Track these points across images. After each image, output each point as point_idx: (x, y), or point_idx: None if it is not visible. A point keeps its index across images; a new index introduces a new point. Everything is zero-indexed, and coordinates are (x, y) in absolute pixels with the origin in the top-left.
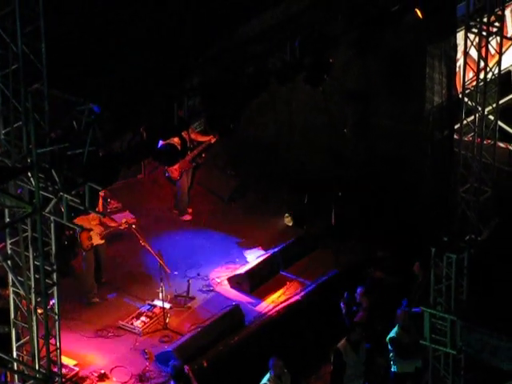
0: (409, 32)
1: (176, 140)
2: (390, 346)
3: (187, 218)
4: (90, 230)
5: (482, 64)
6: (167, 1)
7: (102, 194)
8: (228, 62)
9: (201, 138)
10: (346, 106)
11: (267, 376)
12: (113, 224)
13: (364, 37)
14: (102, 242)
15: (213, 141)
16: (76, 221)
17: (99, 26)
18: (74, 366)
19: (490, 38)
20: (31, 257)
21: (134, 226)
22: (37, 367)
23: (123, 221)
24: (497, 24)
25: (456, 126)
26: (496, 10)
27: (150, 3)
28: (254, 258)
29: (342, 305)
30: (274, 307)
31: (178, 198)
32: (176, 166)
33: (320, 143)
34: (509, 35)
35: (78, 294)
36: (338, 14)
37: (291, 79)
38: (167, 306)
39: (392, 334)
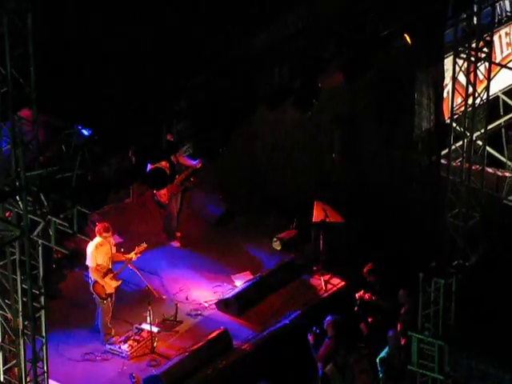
0: (398, 57)
1: (164, 164)
2: (379, 367)
3: (176, 244)
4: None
5: (471, 89)
6: (156, 25)
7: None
8: (217, 85)
9: (187, 163)
10: (335, 130)
11: None
12: (122, 258)
13: (353, 62)
14: (119, 282)
15: (199, 166)
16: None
17: (88, 50)
18: None
19: (479, 64)
20: (19, 280)
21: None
22: None
23: (131, 255)
24: (485, 50)
25: (444, 152)
26: (484, 35)
27: (139, 27)
28: (243, 282)
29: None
30: (262, 331)
31: (166, 222)
32: (164, 191)
33: (309, 168)
34: (497, 61)
35: (66, 317)
36: (328, 39)
37: (280, 104)
38: (155, 329)
39: (382, 354)
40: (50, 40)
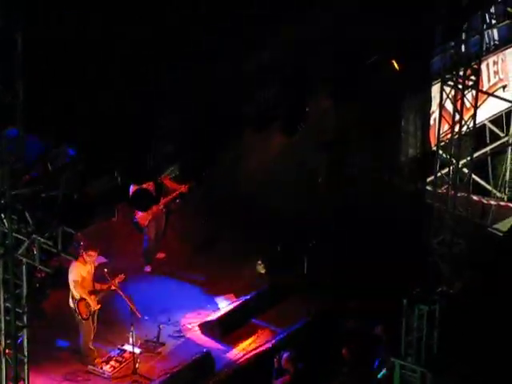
0: (385, 84)
1: (147, 185)
2: None
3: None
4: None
5: (458, 117)
6: (143, 47)
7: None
8: (202, 109)
9: (173, 186)
10: (321, 155)
11: None
12: (104, 287)
13: (340, 88)
14: (99, 306)
15: (184, 190)
16: (75, 291)
17: (75, 70)
18: None
19: (466, 92)
20: (2, 298)
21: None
22: None
23: (115, 281)
24: (473, 78)
25: (430, 178)
26: (472, 63)
27: (127, 48)
28: (226, 304)
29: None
30: (245, 355)
31: (144, 246)
32: (143, 214)
33: (294, 192)
34: (484, 89)
35: (48, 337)
36: (316, 64)
37: (266, 127)
38: (137, 350)
39: (379, 376)
40: (37, 59)
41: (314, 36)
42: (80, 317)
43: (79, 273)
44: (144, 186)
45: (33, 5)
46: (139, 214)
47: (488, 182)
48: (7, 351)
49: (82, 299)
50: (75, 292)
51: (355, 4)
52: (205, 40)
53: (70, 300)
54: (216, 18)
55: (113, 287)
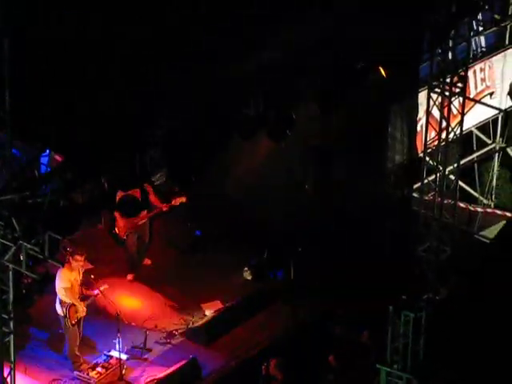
0: (372, 90)
1: (133, 192)
2: None
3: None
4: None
5: (444, 124)
6: (143, 47)
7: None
8: (191, 114)
9: (156, 202)
10: (308, 161)
11: None
12: (89, 293)
13: (327, 94)
14: (85, 311)
15: (165, 209)
16: (66, 297)
17: (75, 70)
18: None
19: (453, 99)
20: None
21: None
22: None
23: (100, 289)
24: (460, 85)
25: (417, 185)
26: (459, 70)
27: (127, 48)
28: (212, 311)
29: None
30: (231, 361)
31: (127, 256)
32: (122, 225)
33: (281, 198)
34: (471, 96)
35: (34, 343)
36: (303, 70)
37: (254, 134)
38: (124, 357)
39: None
40: (37, 59)
41: (310, 38)
42: (69, 322)
43: (68, 279)
44: (130, 192)
45: (33, 5)
46: (119, 226)
47: (475, 189)
48: None
49: (72, 305)
50: (66, 298)
51: (355, 4)
52: (205, 40)
53: (58, 306)
54: (216, 18)
55: (99, 293)
